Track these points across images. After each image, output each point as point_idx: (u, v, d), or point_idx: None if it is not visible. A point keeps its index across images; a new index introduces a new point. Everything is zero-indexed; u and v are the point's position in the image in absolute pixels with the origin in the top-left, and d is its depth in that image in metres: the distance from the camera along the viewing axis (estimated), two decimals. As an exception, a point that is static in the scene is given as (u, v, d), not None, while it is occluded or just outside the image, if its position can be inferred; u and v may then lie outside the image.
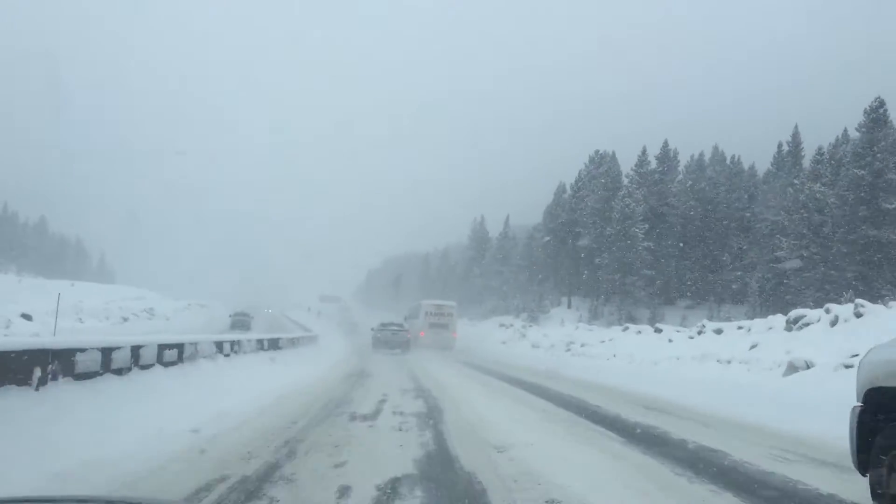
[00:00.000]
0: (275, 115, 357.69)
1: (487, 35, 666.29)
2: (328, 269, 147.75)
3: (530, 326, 42.67)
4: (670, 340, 24.73)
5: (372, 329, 31.02)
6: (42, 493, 3.67)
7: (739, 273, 45.70)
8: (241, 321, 46.37)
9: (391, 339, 28.71)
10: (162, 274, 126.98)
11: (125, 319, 40.59)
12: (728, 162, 52.00)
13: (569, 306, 49.97)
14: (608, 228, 46.92)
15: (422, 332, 34.81)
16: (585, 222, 49.90)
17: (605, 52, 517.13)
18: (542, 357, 32.16)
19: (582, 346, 31.76)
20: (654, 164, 49.87)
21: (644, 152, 49.15)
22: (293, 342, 23.94)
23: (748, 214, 47.17)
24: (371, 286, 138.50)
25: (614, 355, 25.75)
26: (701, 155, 54.42)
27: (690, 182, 49.82)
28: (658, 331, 27.64)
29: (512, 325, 43.43)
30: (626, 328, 30.58)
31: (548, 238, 59.09)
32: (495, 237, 77.17)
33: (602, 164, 53.73)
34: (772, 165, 47.60)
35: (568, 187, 59.54)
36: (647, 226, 45.93)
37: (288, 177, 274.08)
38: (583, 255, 49.46)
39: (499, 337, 42.19)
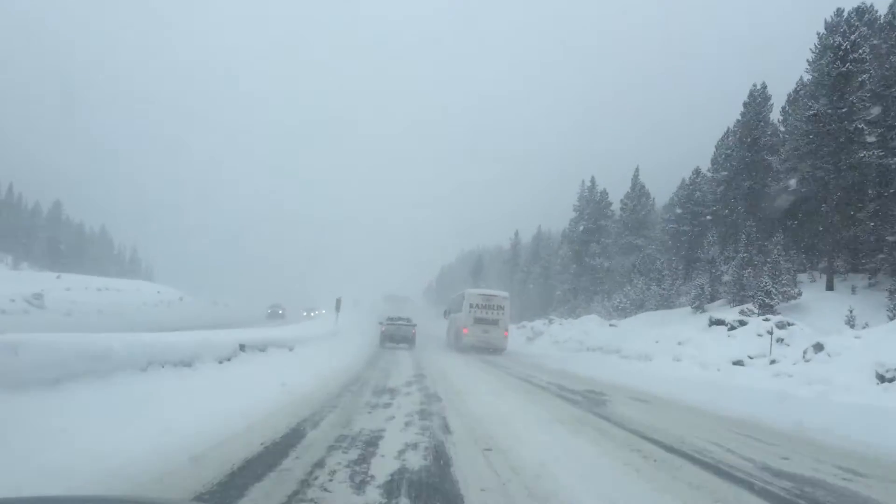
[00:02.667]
0: (341, 111, 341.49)
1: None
2: (398, 268, 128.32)
3: (790, 325, 18.22)
4: None
5: (380, 323, 29.36)
6: (48, 491, 3.18)
7: None
8: None
9: (396, 334, 27.38)
10: (209, 272, 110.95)
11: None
12: None
13: (829, 287, 24.74)
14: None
15: (465, 328, 28.42)
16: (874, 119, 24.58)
17: None
18: None
19: None
20: None
21: None
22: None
23: None
24: (444, 283, 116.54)
25: None
26: None
27: None
28: None
29: (747, 321, 19.01)
30: None
31: (725, 173, 34.63)
32: (618, 201, 52.68)
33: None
34: None
35: (767, 88, 34.67)
36: None
37: (353, 175, 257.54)
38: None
39: (727, 352, 17.94)
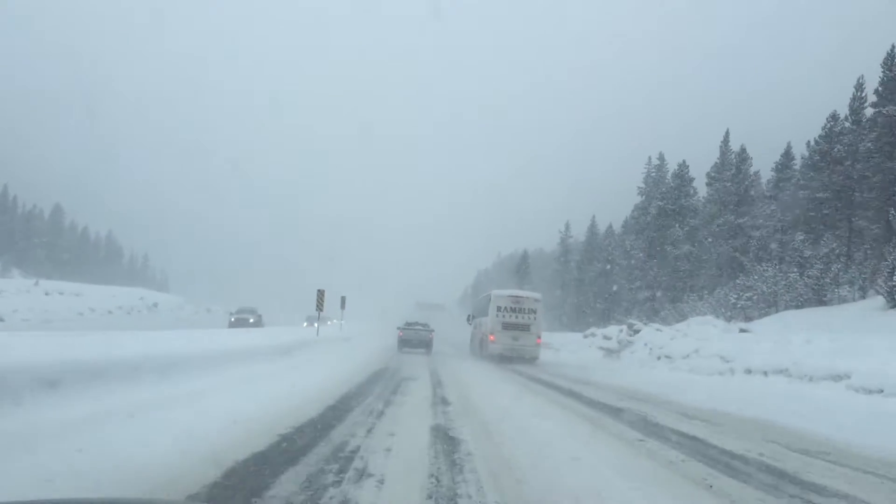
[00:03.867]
0: (366, 112, 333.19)
1: None
2: (432, 276, 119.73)
3: None
4: None
5: (398, 328, 29.16)
6: (44, 494, 3.28)
7: None
8: None
9: (413, 338, 27.68)
10: (227, 280, 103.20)
11: None
12: None
13: None
14: None
15: (492, 334, 25.48)
16: None
17: None
18: None
19: None
20: None
21: None
22: None
23: None
24: (479, 290, 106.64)
25: None
26: None
27: None
28: None
29: None
30: None
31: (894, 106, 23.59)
32: (702, 175, 41.81)
33: None
34: None
35: None
36: None
37: (384, 180, 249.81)
38: None
39: None
